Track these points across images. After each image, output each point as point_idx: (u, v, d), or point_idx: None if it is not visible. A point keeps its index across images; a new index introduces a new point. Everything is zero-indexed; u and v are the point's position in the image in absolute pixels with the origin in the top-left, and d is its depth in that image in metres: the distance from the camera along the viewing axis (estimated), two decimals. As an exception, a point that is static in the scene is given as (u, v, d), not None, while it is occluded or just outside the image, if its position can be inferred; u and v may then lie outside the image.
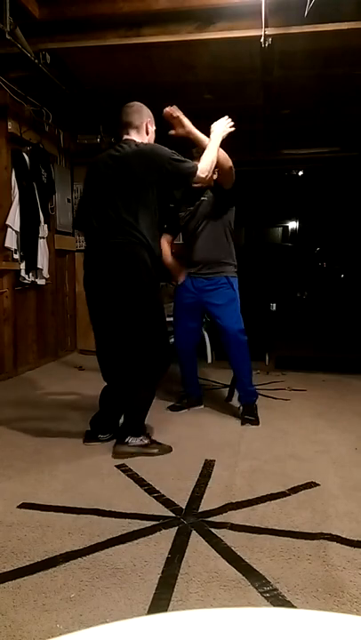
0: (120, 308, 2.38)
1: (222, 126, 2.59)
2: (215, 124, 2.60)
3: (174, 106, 2.50)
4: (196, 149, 2.71)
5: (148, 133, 2.50)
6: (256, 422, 3.01)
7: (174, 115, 2.48)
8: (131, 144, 2.42)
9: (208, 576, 1.49)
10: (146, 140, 2.49)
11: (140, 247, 2.34)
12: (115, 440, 2.55)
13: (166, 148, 2.40)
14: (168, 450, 2.51)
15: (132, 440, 2.45)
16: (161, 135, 2.56)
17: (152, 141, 2.53)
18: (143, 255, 2.35)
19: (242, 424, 3.00)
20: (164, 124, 2.53)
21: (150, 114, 2.52)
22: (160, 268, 2.57)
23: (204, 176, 2.43)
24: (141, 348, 2.42)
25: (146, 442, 2.48)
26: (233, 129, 2.61)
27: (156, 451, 2.47)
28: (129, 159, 2.37)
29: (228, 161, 2.74)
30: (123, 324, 2.40)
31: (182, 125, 2.51)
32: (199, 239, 3.04)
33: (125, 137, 2.47)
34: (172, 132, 2.54)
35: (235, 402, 3.31)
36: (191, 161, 2.44)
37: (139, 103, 2.51)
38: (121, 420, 2.61)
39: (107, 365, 2.56)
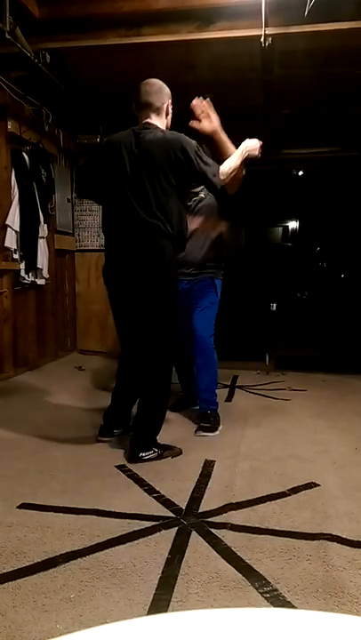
0: (140, 301, 2.40)
1: (253, 144, 2.46)
2: (248, 140, 2.48)
3: (208, 100, 2.43)
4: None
5: (167, 115, 2.46)
6: (212, 429, 2.84)
7: (205, 111, 2.42)
8: (155, 132, 2.38)
9: (208, 576, 1.49)
10: (165, 122, 2.46)
11: (165, 239, 2.35)
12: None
13: (192, 141, 2.36)
14: (179, 452, 2.50)
15: (144, 455, 2.42)
16: (176, 124, 2.51)
17: (170, 122, 2.49)
18: (169, 247, 2.36)
19: (195, 432, 2.84)
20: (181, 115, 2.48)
21: (170, 93, 2.46)
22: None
23: (222, 178, 2.38)
24: (154, 346, 2.43)
25: (158, 452, 2.45)
26: (259, 155, 2.48)
27: (169, 458, 2.46)
28: (156, 148, 2.32)
29: (242, 171, 2.66)
30: (141, 316, 2.43)
31: (210, 121, 2.45)
32: (192, 238, 2.99)
33: (146, 120, 2.42)
34: (195, 124, 2.45)
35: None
36: (213, 162, 2.39)
37: (159, 82, 2.44)
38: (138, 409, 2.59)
39: (126, 351, 2.63)
